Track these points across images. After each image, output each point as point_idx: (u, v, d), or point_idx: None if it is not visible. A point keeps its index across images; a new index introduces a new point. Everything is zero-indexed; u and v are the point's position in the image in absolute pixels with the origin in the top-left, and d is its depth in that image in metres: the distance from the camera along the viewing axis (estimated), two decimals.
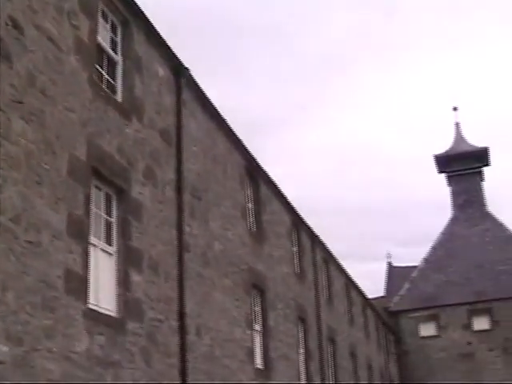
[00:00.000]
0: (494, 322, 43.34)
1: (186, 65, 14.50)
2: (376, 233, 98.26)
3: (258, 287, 18.24)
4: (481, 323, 43.54)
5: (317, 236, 25.49)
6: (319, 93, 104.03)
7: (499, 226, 48.17)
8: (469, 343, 43.36)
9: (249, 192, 18.83)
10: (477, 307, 43.81)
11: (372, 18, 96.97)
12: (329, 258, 27.81)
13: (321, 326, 24.64)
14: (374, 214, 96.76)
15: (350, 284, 31.79)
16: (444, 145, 52.15)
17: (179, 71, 14.46)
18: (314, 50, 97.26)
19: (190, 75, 14.79)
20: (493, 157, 51.19)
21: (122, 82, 12.28)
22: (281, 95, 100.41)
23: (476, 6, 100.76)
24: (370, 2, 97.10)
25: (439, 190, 79.27)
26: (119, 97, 12.12)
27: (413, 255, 78.07)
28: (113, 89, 12.05)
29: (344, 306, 30.13)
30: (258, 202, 19.25)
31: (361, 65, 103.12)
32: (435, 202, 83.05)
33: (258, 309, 18.26)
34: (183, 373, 12.91)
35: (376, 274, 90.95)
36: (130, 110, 12.23)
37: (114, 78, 12.18)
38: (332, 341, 26.64)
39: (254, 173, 19.10)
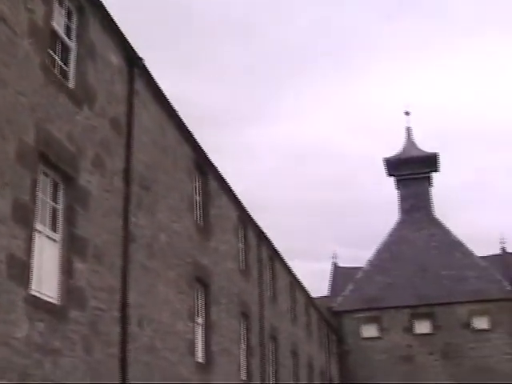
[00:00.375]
0: (436, 327, 44.24)
1: (141, 55, 14.55)
2: (323, 232, 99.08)
3: (202, 281, 18.35)
4: (422, 327, 44.34)
5: (263, 233, 25.67)
6: (275, 90, 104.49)
7: (445, 231, 49.06)
8: (409, 346, 44.11)
9: (197, 185, 18.92)
10: (419, 311, 44.62)
11: (332, 16, 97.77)
12: (274, 256, 28.00)
13: (263, 323, 24.85)
14: (322, 214, 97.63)
15: (295, 282, 32.05)
16: (395, 148, 52.86)
17: (133, 61, 14.48)
18: (272, 47, 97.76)
19: (144, 65, 14.83)
20: (442, 163, 52.21)
21: (74, 68, 12.26)
22: (237, 91, 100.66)
23: (430, 13, 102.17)
24: (330, 1, 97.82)
25: (388, 192, 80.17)
26: (71, 83, 12.10)
27: (358, 256, 79.01)
28: (65, 75, 12.03)
29: (287, 305, 30.37)
30: (206, 195, 19.35)
31: (318, 63, 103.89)
32: (383, 204, 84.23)
33: (201, 302, 18.36)
34: (123, 363, 12.97)
35: (321, 273, 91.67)
36: (81, 97, 12.23)
37: (67, 65, 12.15)
38: (274, 338, 26.85)
39: (204, 166, 19.19)
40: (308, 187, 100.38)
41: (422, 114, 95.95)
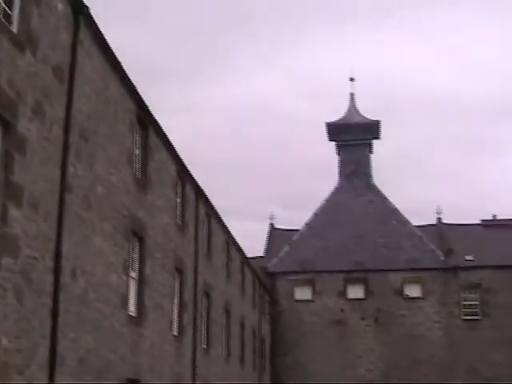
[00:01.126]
0: (368, 292, 45.34)
1: (87, 3, 14.46)
2: (262, 193, 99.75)
3: (138, 234, 18.50)
4: (355, 292, 45.37)
5: (201, 190, 25.87)
6: (221, 50, 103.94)
7: (382, 198, 49.98)
8: (342, 310, 45.12)
9: (137, 138, 18.97)
10: (352, 276, 45.65)
11: None
12: (211, 213, 28.26)
13: (197, 280, 25.17)
14: (262, 175, 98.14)
15: (230, 241, 32.39)
16: (338, 114, 53.27)
17: (79, 8, 14.40)
18: (220, 7, 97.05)
19: (90, 14, 14.75)
20: (383, 131, 52.83)
21: (19, 12, 12.16)
22: (184, 49, 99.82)
23: None
24: None
25: (328, 157, 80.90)
26: (15, 28, 12.01)
27: (296, 219, 79.97)
28: (9, 19, 11.93)
29: (222, 262, 30.75)
30: (145, 149, 19.41)
31: (265, 26, 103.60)
32: (323, 169, 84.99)
33: (135, 256, 18.53)
34: (54, 313, 13.11)
35: (258, 233, 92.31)
36: (24, 42, 12.17)
37: (11, 8, 12.04)
38: (207, 295, 27.23)
39: (145, 120, 19.23)
40: (249, 147, 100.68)
41: (368, 81, 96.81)
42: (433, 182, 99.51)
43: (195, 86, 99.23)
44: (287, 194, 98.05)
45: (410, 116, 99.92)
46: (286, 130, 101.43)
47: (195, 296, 24.83)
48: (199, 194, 25.81)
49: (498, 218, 50.91)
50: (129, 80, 17.45)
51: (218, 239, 29.83)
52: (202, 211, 26.62)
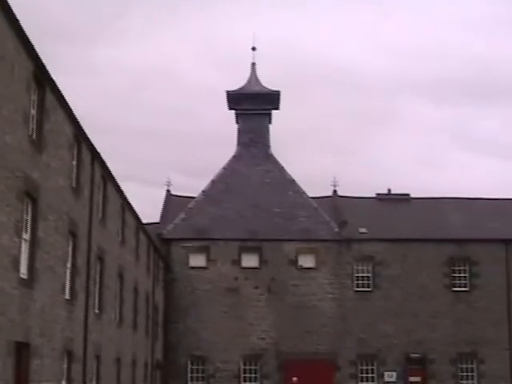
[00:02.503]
0: (263, 261, 46.23)
1: None
2: (159, 159, 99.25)
3: (31, 196, 18.37)
4: (249, 260, 46.19)
5: (98, 153, 25.74)
6: (125, 10, 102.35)
7: (280, 169, 50.77)
8: (236, 279, 45.89)
9: (34, 98, 18.76)
10: (247, 245, 46.44)
11: None
12: (108, 177, 28.16)
13: (91, 244, 25.16)
14: (162, 140, 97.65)
15: (126, 206, 32.36)
16: (240, 83, 53.51)
17: None
18: None
19: None
20: (284, 102, 53.53)
21: None
22: (87, 8, 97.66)
23: None
24: None
25: (228, 126, 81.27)
26: None
27: (196, 186, 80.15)
28: None
29: (117, 228, 30.77)
30: (42, 109, 19.22)
31: None
32: (224, 137, 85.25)
33: (28, 218, 18.41)
34: None
35: (154, 199, 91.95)
36: None
37: None
38: (101, 260, 27.26)
39: (42, 80, 19.02)
40: (149, 112, 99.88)
41: (271, 52, 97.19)
42: (331, 155, 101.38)
43: (96, 47, 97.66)
44: (187, 160, 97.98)
45: (312, 88, 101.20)
46: (189, 97, 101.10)
47: (88, 260, 24.84)
48: (95, 157, 25.69)
49: (393, 192, 52.62)
50: (26, 37, 17.21)
51: (114, 204, 29.78)
52: (98, 175, 26.52)
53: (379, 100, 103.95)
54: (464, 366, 46.25)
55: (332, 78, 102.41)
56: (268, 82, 53.98)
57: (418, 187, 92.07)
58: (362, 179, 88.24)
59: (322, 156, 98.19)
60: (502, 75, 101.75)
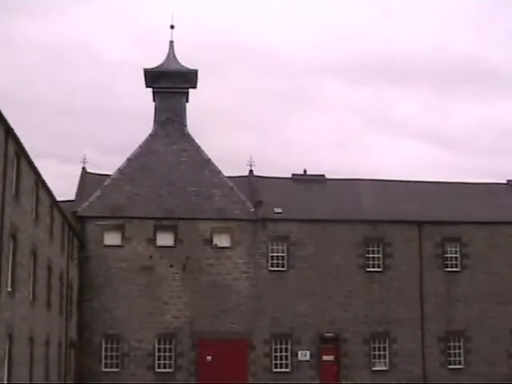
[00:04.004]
0: (178, 240, 46.79)
1: None
2: (76, 136, 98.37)
3: None
4: (164, 239, 46.69)
5: (12, 128, 25.82)
6: None
7: (196, 148, 51.25)
8: (151, 257, 46.37)
9: None
10: (162, 223, 46.95)
11: None
12: (21, 153, 28.22)
13: (3, 221, 25.24)
14: (77, 117, 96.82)
15: (41, 183, 32.35)
16: (157, 60, 53.81)
17: None
18: None
19: None
20: (202, 81, 54.00)
21: None
22: None
23: None
24: None
25: (145, 103, 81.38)
26: None
27: (109, 164, 79.95)
28: None
29: (31, 205, 30.85)
30: None
31: None
32: (139, 114, 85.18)
33: None
34: None
35: (70, 177, 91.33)
36: None
37: None
38: (14, 237, 27.35)
39: None
40: (67, 88, 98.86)
41: (190, 30, 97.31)
42: (248, 135, 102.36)
43: (15, 20, 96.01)
44: (104, 138, 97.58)
45: (231, 68, 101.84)
46: (107, 73, 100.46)
47: (1, 238, 24.94)
48: (9, 132, 25.79)
49: (308, 173, 53.84)
50: None
51: (28, 181, 29.83)
52: (12, 151, 26.60)
53: (298, 81, 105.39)
54: (377, 345, 47.86)
55: (251, 58, 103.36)
56: (186, 60, 54.44)
57: (334, 168, 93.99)
58: (279, 159, 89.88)
59: (239, 136, 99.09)
60: (420, 59, 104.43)
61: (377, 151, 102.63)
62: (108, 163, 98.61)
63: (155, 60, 53.97)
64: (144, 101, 72.22)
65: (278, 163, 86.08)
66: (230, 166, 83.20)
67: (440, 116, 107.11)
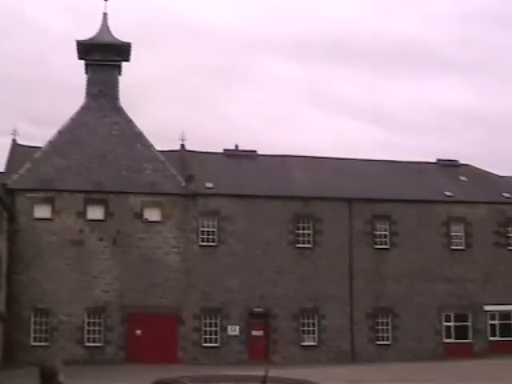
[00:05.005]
0: (108, 214, 47.94)
1: None
2: (6, 106, 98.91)
3: None
4: (95, 213, 47.84)
5: None
6: None
7: (128, 121, 52.41)
8: (81, 231, 47.45)
9: None
10: (93, 197, 48.01)
11: None
12: None
13: None
14: (8, 87, 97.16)
15: None
16: (91, 32, 54.81)
17: None
18: None
19: None
20: (135, 54, 55.23)
21: None
22: None
23: None
24: None
25: (78, 75, 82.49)
26: None
27: (40, 136, 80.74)
28: None
29: None
30: None
31: None
32: (72, 86, 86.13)
33: None
34: None
35: (1, 149, 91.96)
36: None
37: None
38: None
39: None
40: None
41: (125, 3, 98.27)
42: (182, 109, 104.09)
43: None
44: (35, 109, 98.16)
45: (166, 42, 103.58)
46: (40, 44, 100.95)
47: None
48: None
49: (240, 148, 55.69)
50: None
51: None
52: None
53: (234, 57, 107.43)
54: (306, 320, 50.00)
55: (187, 34, 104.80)
56: (121, 34, 55.51)
57: (268, 144, 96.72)
58: (212, 135, 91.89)
59: (172, 110, 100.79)
60: (357, 38, 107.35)
61: (311, 128, 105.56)
62: (41, 135, 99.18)
63: (90, 32, 55.19)
64: (77, 73, 73.56)
65: (211, 138, 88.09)
66: (163, 140, 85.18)
67: (376, 94, 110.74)
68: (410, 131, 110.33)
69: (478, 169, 59.26)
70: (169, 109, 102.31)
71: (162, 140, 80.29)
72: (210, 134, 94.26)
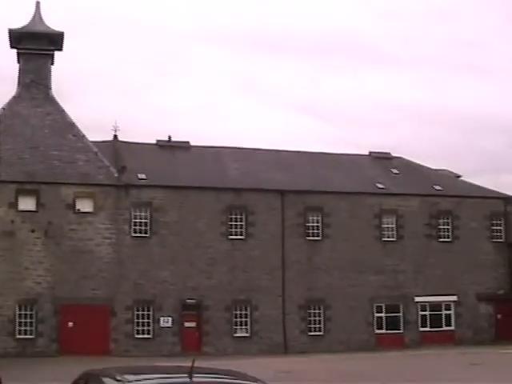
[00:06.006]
0: (40, 205, 48.60)
1: None
2: None
3: None
4: (26, 204, 48.49)
5: None
6: None
7: (60, 111, 53.04)
8: (12, 222, 48.04)
9: None
10: (24, 187, 48.68)
11: None
12: None
13: None
14: None
15: None
16: (23, 21, 55.56)
17: None
18: None
19: None
20: (68, 43, 56.31)
21: None
22: None
23: None
24: None
25: (11, 64, 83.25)
26: None
27: None
28: None
29: None
30: None
31: None
32: (4, 75, 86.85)
33: None
34: None
35: None
36: None
37: None
38: None
39: None
40: None
41: None
42: (116, 99, 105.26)
43: None
44: None
45: (103, 31, 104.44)
46: None
47: None
48: None
49: (173, 139, 57.07)
50: None
51: None
52: None
53: (171, 46, 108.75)
54: (238, 312, 51.73)
55: (121, 23, 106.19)
56: (54, 22, 56.29)
57: (201, 136, 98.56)
58: (147, 125, 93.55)
59: (107, 100, 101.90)
60: (294, 30, 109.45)
61: (246, 119, 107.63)
62: None
63: (23, 20, 55.96)
64: (10, 62, 74.52)
65: (145, 129, 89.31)
66: (97, 130, 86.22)
67: (312, 86, 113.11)
68: (345, 123, 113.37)
69: (410, 161, 61.97)
70: (103, 99, 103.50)
71: (96, 130, 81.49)
72: (145, 125, 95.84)
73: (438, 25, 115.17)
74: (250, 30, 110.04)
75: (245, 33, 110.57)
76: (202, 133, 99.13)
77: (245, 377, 7.04)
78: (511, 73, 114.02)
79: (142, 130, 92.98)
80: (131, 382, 6.26)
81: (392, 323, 55.28)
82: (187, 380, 6.42)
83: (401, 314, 55.57)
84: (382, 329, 55.09)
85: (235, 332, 51.93)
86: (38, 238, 48.73)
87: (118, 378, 6.45)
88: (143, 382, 6.36)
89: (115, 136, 55.21)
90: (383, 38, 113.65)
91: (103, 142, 54.31)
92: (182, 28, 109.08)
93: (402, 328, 55.41)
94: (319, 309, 53.80)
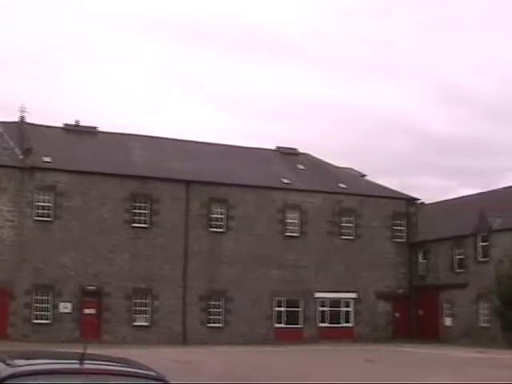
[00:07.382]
0: None
1: None
2: None
3: None
4: None
5: None
6: None
7: None
8: None
9: None
10: None
11: None
12: None
13: None
14: None
15: None
16: None
17: None
18: None
19: None
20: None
21: None
22: None
23: None
24: None
25: None
26: None
27: None
28: None
29: None
30: None
31: None
32: None
33: None
34: None
35: None
36: None
37: None
38: None
39: None
40: None
41: None
42: (27, 82, 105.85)
43: None
44: None
45: (22, 13, 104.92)
46: None
47: None
48: None
49: (81, 124, 58.52)
50: None
51: None
52: None
53: (91, 32, 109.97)
54: (138, 300, 53.39)
55: (45, 5, 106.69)
56: None
57: (113, 123, 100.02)
58: (55, 110, 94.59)
59: (12, 81, 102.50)
60: (215, 21, 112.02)
61: (157, 108, 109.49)
62: None
63: None
64: None
65: (54, 113, 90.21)
66: (3, 111, 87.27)
67: (225, 79, 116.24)
68: (259, 118, 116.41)
69: (316, 158, 65.01)
70: (15, 81, 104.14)
71: (2, 111, 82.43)
72: (55, 110, 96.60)
73: (359, 24, 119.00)
74: (169, 20, 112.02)
75: (164, 23, 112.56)
76: (111, 120, 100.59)
77: (138, 365, 7.22)
78: (417, 74, 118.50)
79: (52, 114, 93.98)
80: (21, 366, 6.50)
81: (292, 318, 57.82)
82: (78, 366, 6.61)
83: (301, 309, 58.17)
84: (281, 323, 57.53)
85: (135, 320, 53.38)
86: None
87: (9, 362, 6.62)
88: (33, 366, 6.59)
89: (22, 118, 56.06)
90: (302, 36, 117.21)
91: (9, 122, 55.02)
92: (104, 14, 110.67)
93: (301, 323, 58.01)
94: (220, 301, 55.87)
